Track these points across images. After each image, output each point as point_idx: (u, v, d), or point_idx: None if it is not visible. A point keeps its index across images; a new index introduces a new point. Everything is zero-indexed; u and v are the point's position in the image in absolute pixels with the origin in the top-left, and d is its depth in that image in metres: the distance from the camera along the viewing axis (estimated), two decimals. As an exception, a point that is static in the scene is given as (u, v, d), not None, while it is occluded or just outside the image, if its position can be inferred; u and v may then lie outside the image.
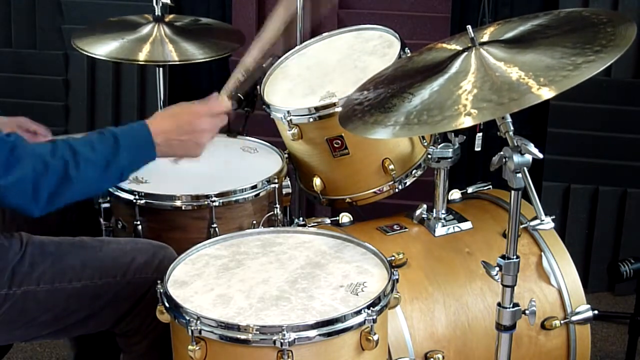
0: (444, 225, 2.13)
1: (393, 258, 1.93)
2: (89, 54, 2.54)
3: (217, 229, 2.07)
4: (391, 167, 2.13)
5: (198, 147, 1.85)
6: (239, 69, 2.09)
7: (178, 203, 2.07)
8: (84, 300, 1.82)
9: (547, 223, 1.62)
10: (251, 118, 2.47)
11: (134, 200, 2.06)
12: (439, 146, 2.11)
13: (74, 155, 1.65)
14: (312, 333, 1.55)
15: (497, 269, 1.68)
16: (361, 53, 2.28)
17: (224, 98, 1.96)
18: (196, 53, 2.55)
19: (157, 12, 2.61)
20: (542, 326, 2.04)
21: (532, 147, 1.57)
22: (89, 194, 1.87)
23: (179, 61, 2.55)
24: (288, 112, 2.10)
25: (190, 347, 1.57)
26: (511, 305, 1.69)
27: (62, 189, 1.64)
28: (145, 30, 2.59)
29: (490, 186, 2.33)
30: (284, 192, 2.20)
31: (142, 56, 2.50)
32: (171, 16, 2.73)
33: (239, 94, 2.42)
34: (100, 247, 1.89)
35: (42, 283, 1.78)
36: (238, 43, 2.69)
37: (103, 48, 2.53)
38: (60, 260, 1.82)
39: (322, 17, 2.11)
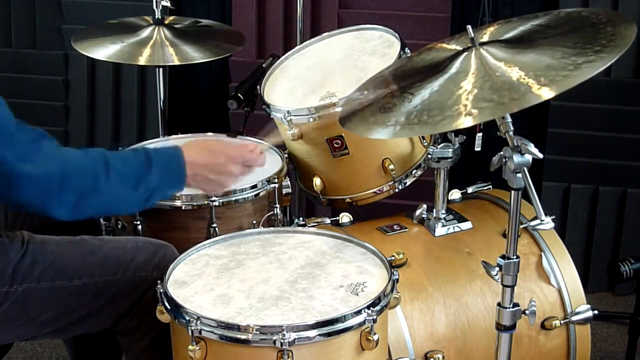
0: (444, 225, 2.13)
1: (393, 258, 1.93)
2: (89, 57, 2.54)
3: (217, 229, 2.07)
4: (391, 167, 2.13)
5: (221, 187, 1.86)
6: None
7: (178, 203, 2.07)
8: (84, 298, 1.82)
9: (547, 223, 1.62)
10: (251, 118, 2.48)
11: (134, 200, 2.06)
12: (439, 146, 2.11)
13: (106, 166, 1.65)
14: (312, 333, 1.55)
15: (497, 269, 1.68)
16: (361, 53, 2.28)
17: (264, 153, 1.91)
18: (196, 55, 2.55)
19: (157, 14, 2.61)
20: (542, 326, 2.04)
21: (532, 147, 1.57)
22: (114, 210, 1.86)
23: (179, 64, 2.54)
24: (288, 112, 2.10)
25: (190, 347, 1.57)
26: (511, 305, 1.69)
27: (89, 197, 1.64)
28: (146, 33, 2.59)
29: (490, 186, 2.33)
30: (284, 192, 2.20)
31: (142, 60, 2.50)
32: (171, 18, 2.73)
33: (239, 94, 2.43)
34: (100, 245, 1.89)
35: (43, 281, 1.79)
36: (238, 44, 2.69)
37: (103, 51, 2.52)
38: (61, 259, 1.82)
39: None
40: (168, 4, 2.61)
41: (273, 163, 2.26)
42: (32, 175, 1.57)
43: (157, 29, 2.60)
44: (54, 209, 1.62)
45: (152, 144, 2.35)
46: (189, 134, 2.40)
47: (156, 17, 2.61)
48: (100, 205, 1.69)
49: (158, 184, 1.73)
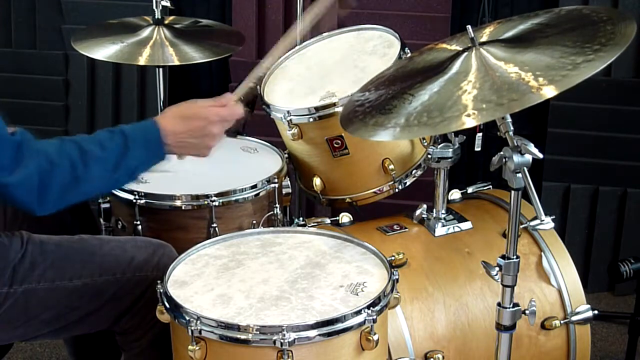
0: (444, 225, 2.13)
1: (393, 258, 1.93)
2: (89, 57, 2.54)
3: (217, 228, 2.07)
4: (391, 167, 2.13)
5: (207, 149, 1.85)
6: (250, 78, 2.06)
7: (178, 203, 2.07)
8: (84, 298, 1.82)
9: (547, 223, 1.62)
10: (251, 118, 2.47)
11: (134, 200, 2.06)
12: (439, 146, 2.11)
13: (82, 154, 1.65)
14: (312, 333, 1.55)
15: (497, 269, 1.68)
16: (361, 53, 2.28)
17: (238, 103, 1.91)
18: (196, 55, 2.54)
19: (157, 14, 2.60)
20: (542, 326, 2.04)
21: (532, 147, 1.57)
22: (98, 193, 1.87)
23: (179, 64, 2.54)
24: (288, 112, 2.10)
25: (190, 347, 1.57)
26: (511, 305, 1.69)
27: (70, 188, 1.64)
28: (145, 33, 2.58)
29: (490, 186, 2.33)
30: (284, 192, 2.20)
31: (142, 60, 2.50)
32: (171, 18, 2.73)
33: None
34: (100, 245, 1.89)
35: (43, 281, 1.79)
36: (238, 44, 2.69)
37: (103, 51, 2.52)
38: (60, 259, 1.82)
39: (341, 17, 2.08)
40: (168, 4, 2.61)
41: (273, 163, 2.26)
42: (15, 182, 1.58)
43: (157, 29, 2.59)
44: (37, 207, 1.62)
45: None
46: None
47: (156, 17, 2.61)
48: (83, 193, 1.69)
49: (138, 160, 1.73)
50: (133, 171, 1.75)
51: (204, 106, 1.84)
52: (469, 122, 1.49)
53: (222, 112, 1.84)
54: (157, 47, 2.54)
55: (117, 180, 1.76)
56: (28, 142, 1.61)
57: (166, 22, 2.65)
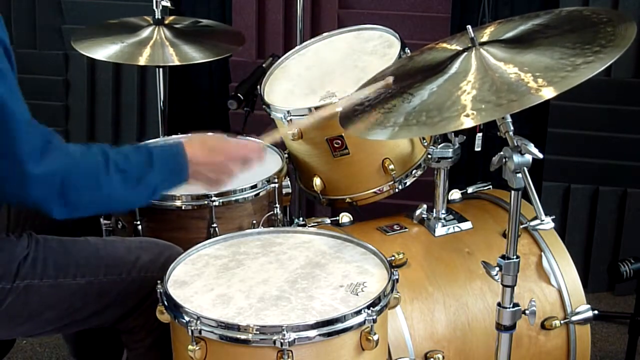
0: (444, 225, 2.13)
1: (393, 258, 1.93)
2: (89, 57, 2.54)
3: (217, 228, 2.07)
4: (391, 167, 2.13)
5: (218, 185, 1.85)
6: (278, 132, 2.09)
7: (178, 203, 2.06)
8: (88, 297, 1.82)
9: (547, 223, 1.62)
10: (251, 118, 2.48)
11: (134, 200, 2.06)
12: (439, 146, 2.11)
13: (107, 161, 1.64)
14: (312, 333, 1.55)
15: (497, 269, 1.68)
16: (361, 53, 2.28)
17: (265, 151, 1.92)
18: (196, 55, 2.55)
19: (157, 14, 2.60)
20: (542, 326, 2.04)
21: (532, 147, 1.57)
22: (116, 206, 1.85)
23: (180, 64, 2.54)
24: (288, 112, 2.10)
25: (190, 347, 1.57)
26: (511, 305, 1.70)
27: (91, 193, 1.63)
28: (146, 33, 2.59)
29: (490, 186, 2.34)
30: (284, 192, 2.20)
31: (142, 60, 2.50)
32: (171, 18, 2.73)
33: (239, 94, 2.43)
34: (104, 245, 1.89)
35: (46, 278, 1.78)
36: (238, 44, 2.69)
37: (103, 52, 2.52)
38: (64, 256, 1.82)
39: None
40: (168, 4, 2.61)
41: (273, 163, 2.26)
42: (39, 175, 1.57)
43: (157, 29, 2.60)
44: (54, 207, 1.61)
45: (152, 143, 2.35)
46: (189, 134, 2.40)
47: (156, 17, 2.61)
48: (99, 203, 1.69)
49: (159, 182, 1.73)
50: (153, 190, 1.73)
51: (233, 144, 1.85)
52: (468, 122, 1.49)
53: (247, 154, 1.85)
54: (157, 47, 2.54)
55: (137, 195, 1.73)
56: (57, 138, 1.62)
57: (166, 22, 2.65)
